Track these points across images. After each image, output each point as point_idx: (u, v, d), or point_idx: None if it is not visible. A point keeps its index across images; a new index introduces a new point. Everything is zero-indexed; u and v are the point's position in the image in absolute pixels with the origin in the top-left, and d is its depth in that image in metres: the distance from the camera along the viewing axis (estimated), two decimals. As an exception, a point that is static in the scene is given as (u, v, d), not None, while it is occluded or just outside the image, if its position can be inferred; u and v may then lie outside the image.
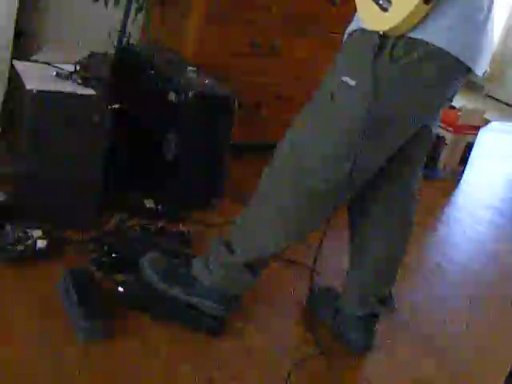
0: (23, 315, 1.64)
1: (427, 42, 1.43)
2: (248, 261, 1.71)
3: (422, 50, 1.43)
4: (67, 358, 1.53)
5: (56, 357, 1.53)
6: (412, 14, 1.38)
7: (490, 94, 6.01)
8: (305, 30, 2.90)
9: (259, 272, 1.77)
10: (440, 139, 3.50)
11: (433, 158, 3.52)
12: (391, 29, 1.42)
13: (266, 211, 1.68)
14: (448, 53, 1.44)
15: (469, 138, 3.56)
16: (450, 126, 3.47)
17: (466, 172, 3.64)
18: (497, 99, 5.96)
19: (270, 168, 1.69)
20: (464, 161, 3.61)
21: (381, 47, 1.46)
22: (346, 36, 1.61)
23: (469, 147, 3.58)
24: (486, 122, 4.58)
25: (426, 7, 1.38)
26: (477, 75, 1.54)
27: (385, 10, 1.42)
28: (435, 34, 1.42)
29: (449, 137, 3.48)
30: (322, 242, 1.64)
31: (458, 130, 3.48)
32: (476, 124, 3.56)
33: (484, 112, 3.74)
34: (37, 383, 1.44)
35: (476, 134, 3.58)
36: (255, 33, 2.77)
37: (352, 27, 1.58)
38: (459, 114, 3.46)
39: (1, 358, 1.48)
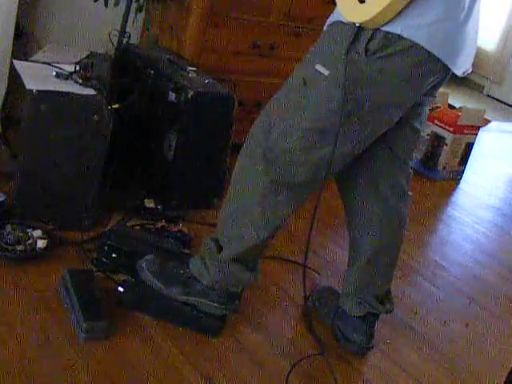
0: (23, 315, 1.64)
1: (405, 38, 1.43)
2: (236, 255, 1.70)
3: (399, 44, 1.44)
4: (67, 358, 1.53)
5: (56, 357, 1.53)
6: (389, 6, 1.39)
7: (490, 94, 6.01)
8: (304, 30, 2.90)
9: (255, 266, 1.75)
10: (440, 139, 3.50)
11: (433, 158, 3.52)
12: (367, 20, 1.43)
13: (243, 201, 1.67)
14: (425, 49, 1.44)
15: (469, 138, 3.56)
16: (450, 126, 3.47)
17: (465, 172, 3.64)
18: (497, 99, 5.96)
19: (242, 154, 1.67)
20: (464, 161, 3.60)
21: (356, 39, 1.46)
22: (325, 27, 1.61)
23: (469, 147, 3.58)
24: (486, 121, 4.58)
25: (403, 2, 1.39)
26: (456, 74, 1.54)
27: (362, 1, 1.42)
28: (414, 29, 1.43)
29: (449, 137, 3.48)
30: (309, 236, 1.64)
31: (458, 129, 3.48)
32: (476, 124, 3.56)
33: (484, 112, 3.74)
34: (37, 383, 1.44)
35: (476, 134, 3.58)
36: (255, 33, 2.77)
37: (332, 18, 1.58)
38: (459, 114, 3.46)
39: (1, 358, 1.48)
